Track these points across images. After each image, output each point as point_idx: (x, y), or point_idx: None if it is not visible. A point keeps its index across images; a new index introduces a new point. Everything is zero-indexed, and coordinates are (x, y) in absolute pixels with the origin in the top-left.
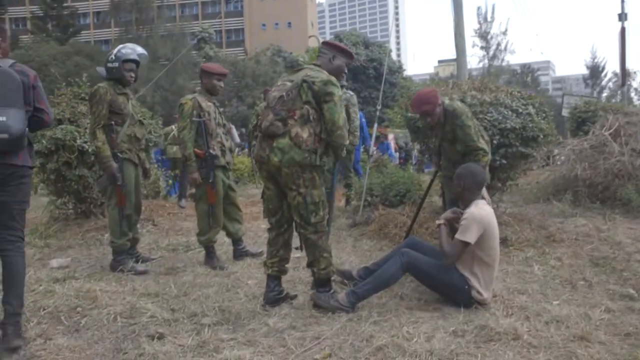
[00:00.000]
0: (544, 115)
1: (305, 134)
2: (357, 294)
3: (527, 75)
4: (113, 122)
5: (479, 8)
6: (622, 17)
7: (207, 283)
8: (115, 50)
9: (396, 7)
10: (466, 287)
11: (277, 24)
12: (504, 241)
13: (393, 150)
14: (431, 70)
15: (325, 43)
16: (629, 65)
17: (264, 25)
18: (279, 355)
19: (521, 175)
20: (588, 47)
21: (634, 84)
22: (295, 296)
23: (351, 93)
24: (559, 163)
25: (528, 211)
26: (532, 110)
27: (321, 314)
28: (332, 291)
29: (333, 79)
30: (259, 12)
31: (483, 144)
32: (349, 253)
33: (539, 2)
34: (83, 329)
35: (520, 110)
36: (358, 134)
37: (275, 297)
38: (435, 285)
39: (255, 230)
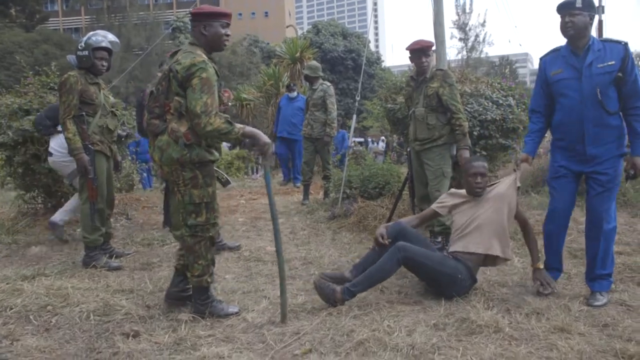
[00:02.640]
0: (523, 106)
1: (183, 127)
2: (352, 292)
3: (505, 67)
4: (84, 113)
5: None
6: (600, 10)
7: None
8: (85, 38)
9: None
10: (459, 276)
11: (253, 13)
12: None
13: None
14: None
15: (191, 14)
16: None
17: (240, 14)
18: (259, 351)
19: (500, 167)
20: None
21: None
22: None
23: (328, 84)
24: (540, 152)
25: None
26: (512, 101)
27: (300, 308)
28: (209, 300)
29: (198, 60)
30: (235, 1)
31: (463, 110)
32: (328, 246)
33: None
34: (54, 328)
35: (501, 102)
36: (335, 125)
37: (177, 293)
38: (430, 276)
39: (233, 223)
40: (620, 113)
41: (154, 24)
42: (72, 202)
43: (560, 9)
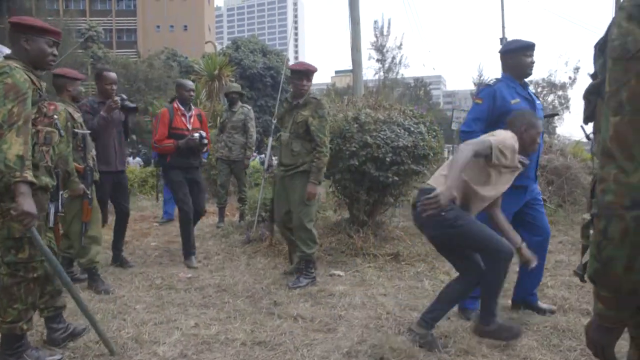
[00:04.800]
0: (434, 133)
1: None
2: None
3: (420, 89)
4: None
5: (375, 22)
6: (504, 41)
7: (91, 310)
8: None
9: (295, 16)
10: None
11: (172, 26)
12: (396, 256)
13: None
14: (328, 80)
15: (11, 24)
16: None
17: (158, 26)
18: None
19: (411, 191)
20: (475, 66)
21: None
22: (84, 329)
23: (249, 107)
24: None
25: None
26: (423, 128)
27: (213, 340)
28: (22, 349)
29: (0, 65)
30: (153, 13)
31: (328, 144)
32: (243, 272)
33: (431, 21)
34: None
35: (412, 129)
36: (254, 148)
37: (61, 336)
38: None
39: (145, 248)
40: None
41: (64, 32)
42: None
43: (528, 49)
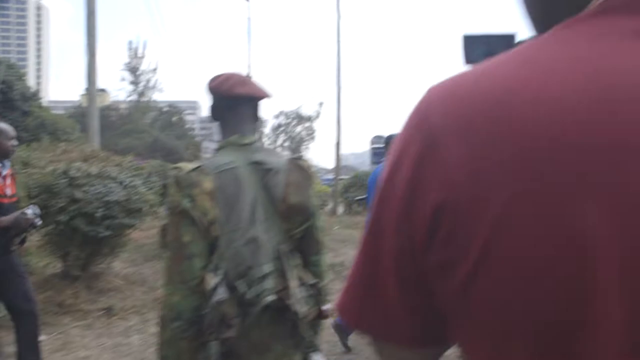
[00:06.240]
0: (150, 185)
1: None
2: None
3: (173, 115)
4: None
5: (130, 42)
6: (249, 74)
7: None
8: None
9: (38, 22)
10: None
11: None
12: (108, 311)
13: None
14: (77, 98)
15: None
16: None
17: None
18: None
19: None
20: None
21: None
22: None
23: None
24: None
25: (144, 271)
26: (138, 181)
27: None
28: None
29: None
30: None
31: None
32: None
33: (188, 46)
34: None
35: (126, 183)
36: None
37: None
38: None
39: None
40: None
41: None
42: None
43: None
